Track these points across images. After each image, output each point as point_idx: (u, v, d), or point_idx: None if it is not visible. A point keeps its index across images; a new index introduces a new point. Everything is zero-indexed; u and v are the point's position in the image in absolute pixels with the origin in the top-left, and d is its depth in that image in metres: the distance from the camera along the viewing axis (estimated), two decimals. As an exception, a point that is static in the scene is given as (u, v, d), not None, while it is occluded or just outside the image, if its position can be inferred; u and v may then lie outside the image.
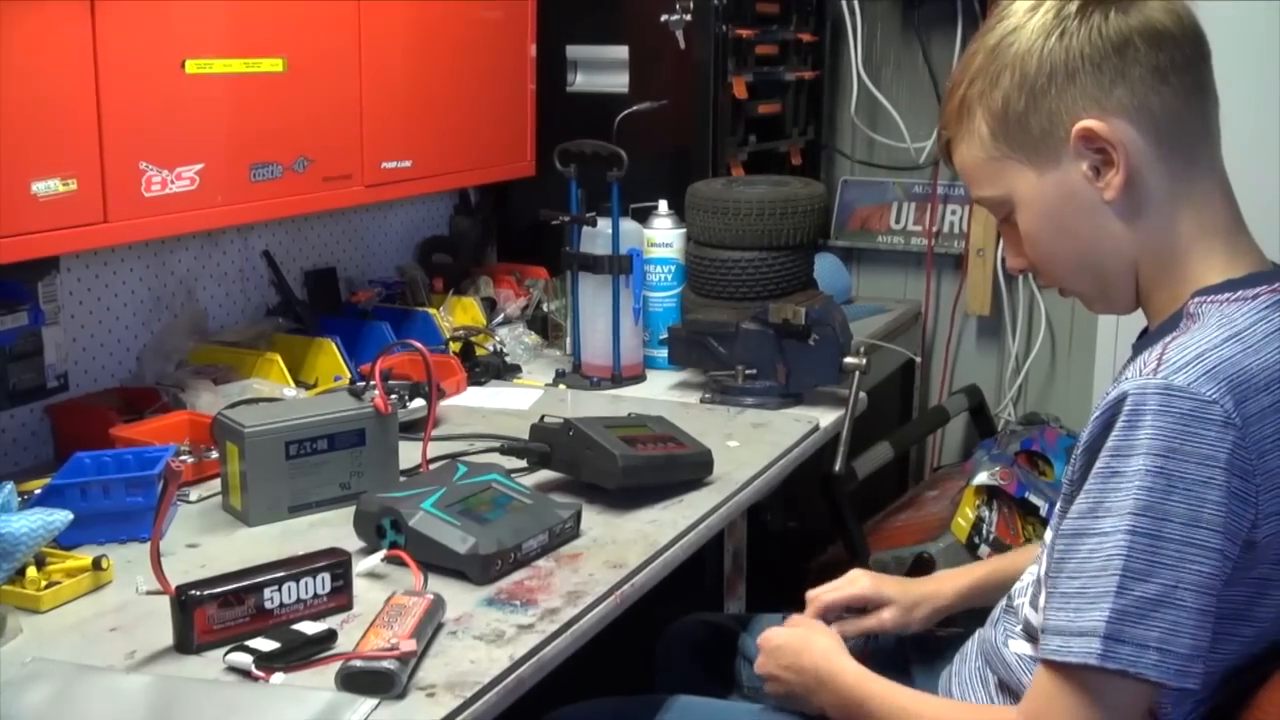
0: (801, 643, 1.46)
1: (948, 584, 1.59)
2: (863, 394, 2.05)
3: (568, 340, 2.33)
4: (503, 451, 1.72)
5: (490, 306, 2.49)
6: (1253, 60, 2.44)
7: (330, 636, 1.25)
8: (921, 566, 2.46)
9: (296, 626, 1.26)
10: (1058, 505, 1.23)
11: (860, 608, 1.58)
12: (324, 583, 1.32)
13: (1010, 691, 1.31)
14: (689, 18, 2.51)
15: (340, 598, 1.33)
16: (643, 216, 2.28)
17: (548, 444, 1.69)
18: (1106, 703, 1.08)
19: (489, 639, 1.28)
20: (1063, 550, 1.11)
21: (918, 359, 3.21)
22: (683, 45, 2.53)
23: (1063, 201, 1.19)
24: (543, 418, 1.73)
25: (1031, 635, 1.28)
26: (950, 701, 1.35)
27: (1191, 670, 1.05)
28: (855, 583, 1.58)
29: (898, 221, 3.27)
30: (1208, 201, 1.19)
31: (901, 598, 1.57)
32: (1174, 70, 1.15)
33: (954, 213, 3.21)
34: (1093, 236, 1.20)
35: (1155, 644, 1.05)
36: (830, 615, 1.58)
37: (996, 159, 1.21)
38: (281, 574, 1.29)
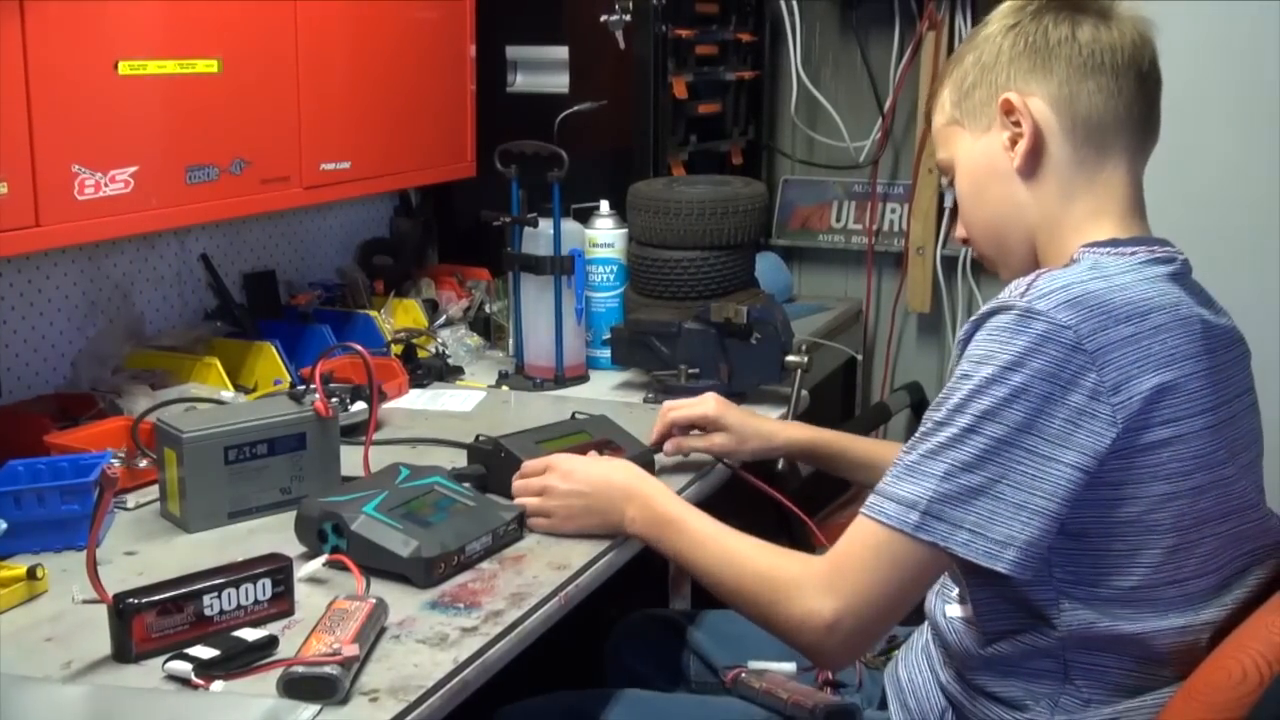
0: (610, 464, 1.58)
1: (783, 433, 1.78)
2: (805, 392, 2.07)
3: (510, 341, 2.32)
4: (449, 476, 1.71)
5: (432, 308, 2.47)
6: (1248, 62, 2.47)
7: (271, 643, 1.24)
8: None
9: (237, 633, 1.25)
10: None
11: (701, 429, 1.76)
12: (265, 589, 1.30)
13: (953, 656, 1.36)
14: (628, 18, 2.52)
15: (281, 603, 1.32)
16: (584, 217, 2.28)
17: (484, 465, 1.68)
18: (901, 563, 1.20)
19: (432, 642, 1.27)
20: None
21: (859, 357, 3.23)
22: (622, 45, 2.53)
23: (984, 166, 1.36)
24: (477, 437, 1.72)
25: (962, 597, 1.35)
26: (759, 542, 1.38)
27: (1003, 555, 1.16)
28: (704, 404, 1.76)
29: (838, 220, 3.30)
30: (1109, 192, 1.32)
31: (738, 428, 1.75)
32: (1100, 73, 1.30)
33: (894, 211, 3.24)
34: (1001, 201, 1.36)
35: (969, 526, 1.17)
36: (675, 431, 1.76)
37: (950, 124, 1.39)
38: (221, 580, 1.28)
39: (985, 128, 1.35)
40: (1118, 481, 1.18)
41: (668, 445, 1.76)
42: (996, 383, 1.16)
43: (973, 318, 1.23)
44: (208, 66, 1.83)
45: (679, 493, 1.65)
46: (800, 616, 1.26)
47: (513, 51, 2.67)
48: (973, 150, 1.37)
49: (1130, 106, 1.31)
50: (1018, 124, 1.32)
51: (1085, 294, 1.18)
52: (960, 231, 1.44)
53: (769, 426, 1.79)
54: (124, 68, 1.70)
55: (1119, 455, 1.17)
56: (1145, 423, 1.17)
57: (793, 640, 1.30)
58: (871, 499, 1.23)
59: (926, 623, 1.44)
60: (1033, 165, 1.32)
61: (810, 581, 1.26)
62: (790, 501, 1.73)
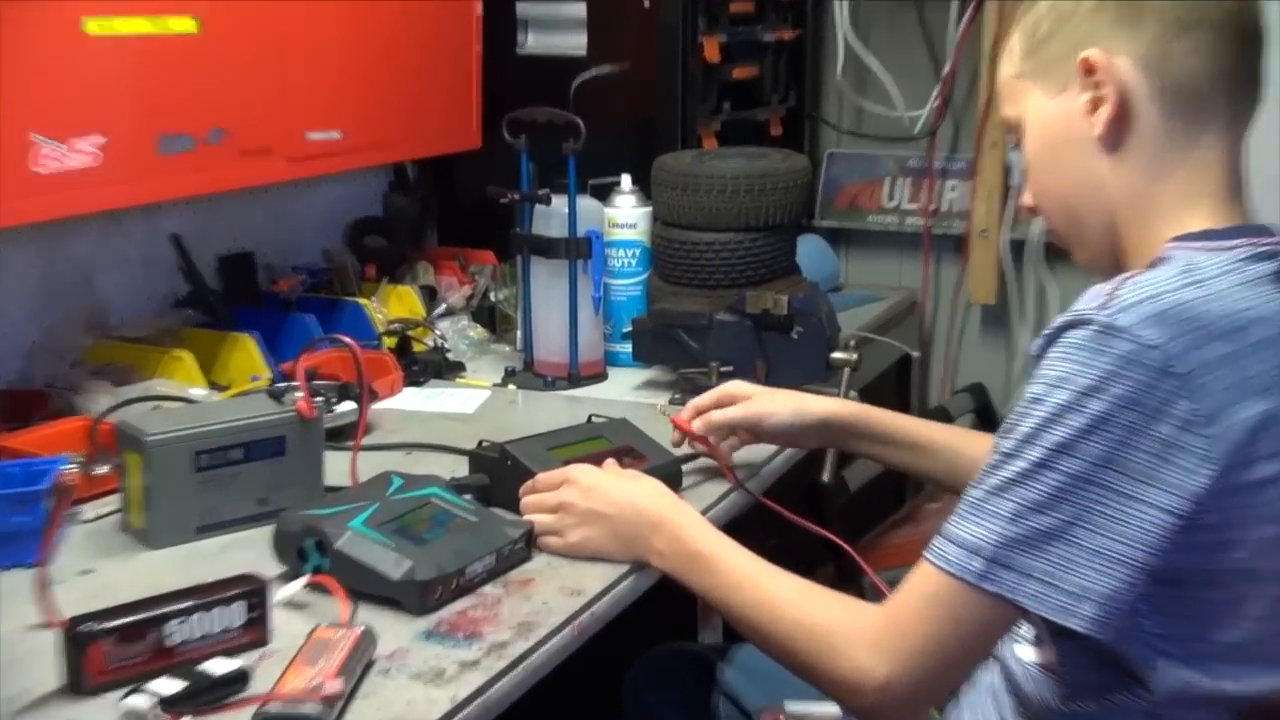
0: (636, 484, 1.55)
1: (819, 403, 1.76)
2: (853, 393, 2.05)
3: (518, 334, 2.33)
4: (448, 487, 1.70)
5: (430, 296, 2.48)
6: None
7: (243, 676, 1.24)
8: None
9: (205, 665, 1.24)
10: None
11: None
12: (237, 614, 1.30)
13: (1027, 706, 1.34)
14: (654, -30, 2.52)
15: (255, 631, 1.31)
16: (603, 194, 2.28)
17: (487, 475, 1.68)
18: (963, 615, 1.18)
19: (427, 678, 1.27)
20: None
21: (915, 354, 3.22)
22: (647, 2, 2.53)
23: (1060, 130, 1.31)
24: (480, 443, 1.72)
25: (1038, 639, 1.33)
26: (804, 583, 1.35)
27: (1078, 610, 1.13)
28: (721, 387, 1.80)
29: (891, 199, 3.29)
30: (1204, 170, 1.27)
31: (768, 395, 1.77)
32: (1195, 29, 1.24)
33: (953, 189, 3.23)
34: (1078, 172, 1.31)
35: (1039, 575, 1.14)
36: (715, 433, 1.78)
37: (1019, 77, 1.35)
38: (188, 604, 1.27)
39: (1061, 87, 1.30)
40: (1218, 524, 1.14)
41: (697, 423, 1.75)
42: (1073, 410, 1.13)
43: (1046, 330, 1.19)
44: (184, 25, 1.83)
45: (709, 509, 1.65)
46: (849, 674, 1.23)
47: (523, 8, 2.67)
48: (1045, 111, 1.32)
49: (1231, 70, 1.25)
50: (1099, 86, 1.26)
51: (1176, 305, 1.14)
52: (1026, 199, 1.40)
53: (803, 396, 1.78)
54: (91, 26, 1.70)
55: (1218, 495, 1.13)
56: (1248, 457, 1.13)
57: (841, 700, 1.27)
58: (934, 540, 1.20)
59: (993, 659, 1.42)
60: (1117, 136, 1.27)
61: (861, 635, 1.24)
62: (834, 523, 1.71)
